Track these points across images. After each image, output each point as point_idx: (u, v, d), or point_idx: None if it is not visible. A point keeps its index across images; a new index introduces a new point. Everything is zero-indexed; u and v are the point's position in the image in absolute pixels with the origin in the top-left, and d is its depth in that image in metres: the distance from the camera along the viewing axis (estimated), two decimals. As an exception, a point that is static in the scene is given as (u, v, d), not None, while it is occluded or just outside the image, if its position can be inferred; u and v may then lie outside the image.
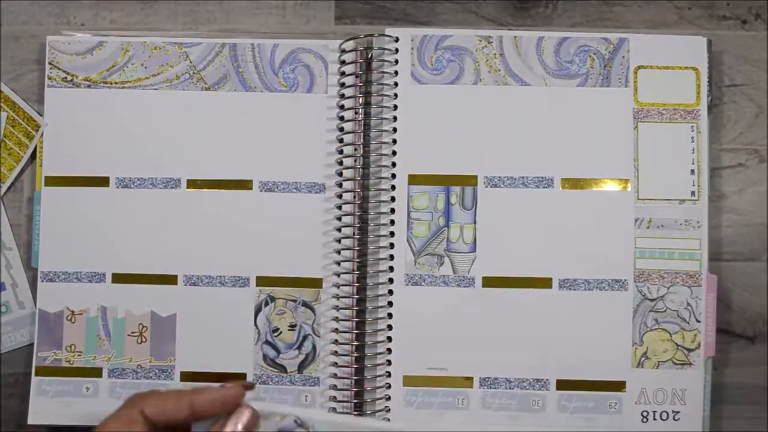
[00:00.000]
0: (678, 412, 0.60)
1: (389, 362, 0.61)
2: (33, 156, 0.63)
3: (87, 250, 0.62)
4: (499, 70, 0.62)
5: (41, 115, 0.63)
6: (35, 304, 0.62)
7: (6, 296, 0.62)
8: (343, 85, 0.62)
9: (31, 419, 0.61)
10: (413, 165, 0.62)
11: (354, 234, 0.61)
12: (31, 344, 0.62)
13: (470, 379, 0.61)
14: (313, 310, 0.61)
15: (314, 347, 0.61)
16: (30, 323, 0.62)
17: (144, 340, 0.61)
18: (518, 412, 0.60)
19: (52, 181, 0.62)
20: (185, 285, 0.61)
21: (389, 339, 0.61)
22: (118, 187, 0.62)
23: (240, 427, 0.45)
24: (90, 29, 0.64)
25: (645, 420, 0.59)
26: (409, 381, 0.61)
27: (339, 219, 0.61)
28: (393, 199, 0.62)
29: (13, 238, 0.63)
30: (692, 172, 0.61)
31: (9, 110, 0.62)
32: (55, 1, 0.64)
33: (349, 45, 0.62)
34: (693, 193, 0.61)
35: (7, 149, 0.62)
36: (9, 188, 0.63)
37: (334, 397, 0.61)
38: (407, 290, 0.61)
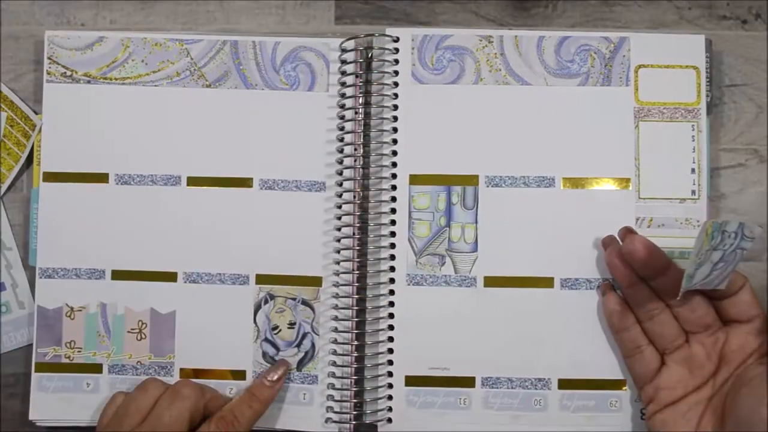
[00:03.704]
0: (679, 409, 0.60)
1: (391, 362, 0.60)
2: (32, 156, 0.63)
3: (86, 247, 0.61)
4: (500, 70, 0.62)
5: (37, 113, 0.63)
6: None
7: (6, 296, 0.62)
8: (343, 84, 0.62)
9: (32, 415, 0.61)
10: (414, 165, 0.62)
11: (354, 233, 0.61)
12: (31, 344, 0.61)
13: (472, 378, 0.60)
14: (312, 308, 0.61)
15: (313, 345, 0.61)
16: (30, 323, 0.62)
17: (143, 336, 0.61)
18: (520, 412, 0.60)
19: (51, 177, 0.62)
20: (185, 282, 0.61)
21: (391, 339, 0.60)
22: (117, 184, 0.62)
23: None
24: (90, 29, 0.64)
25: (644, 417, 0.59)
26: (411, 381, 0.60)
27: (339, 218, 0.61)
28: (394, 199, 0.61)
29: (13, 238, 0.63)
30: (693, 171, 0.61)
31: (8, 110, 0.62)
32: (55, 1, 0.64)
33: (350, 45, 0.62)
34: (693, 192, 0.61)
35: (6, 149, 0.62)
36: (9, 188, 0.63)
37: (332, 396, 0.60)
38: (409, 290, 0.61)
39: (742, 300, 0.54)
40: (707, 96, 0.62)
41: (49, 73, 0.62)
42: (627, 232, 0.58)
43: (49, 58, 0.63)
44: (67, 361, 0.61)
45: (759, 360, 0.52)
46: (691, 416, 0.54)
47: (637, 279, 0.56)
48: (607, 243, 0.59)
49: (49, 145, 0.62)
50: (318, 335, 0.61)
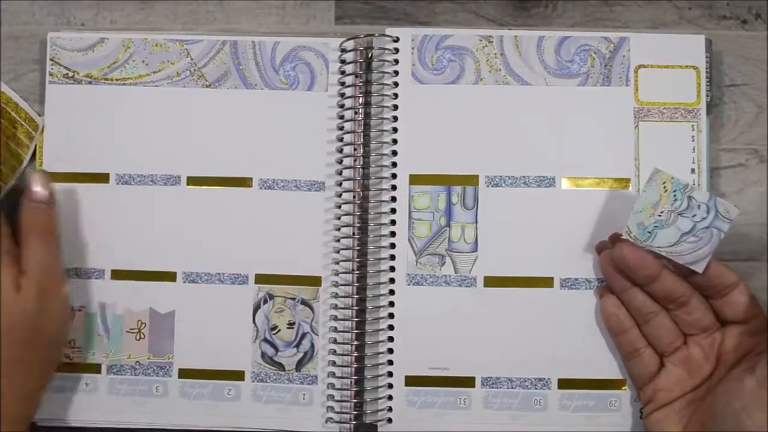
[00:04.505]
0: (678, 408, 0.60)
1: (391, 362, 0.60)
2: (34, 156, 0.63)
3: (86, 247, 0.61)
4: (500, 70, 0.62)
5: (41, 114, 0.63)
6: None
7: (6, 296, 0.62)
8: (343, 84, 0.62)
9: (32, 414, 0.61)
10: (414, 165, 0.62)
11: (353, 233, 0.61)
12: (31, 345, 0.62)
13: (472, 378, 0.60)
14: (311, 308, 0.61)
15: (312, 345, 0.61)
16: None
17: (142, 336, 0.61)
18: (520, 412, 0.60)
19: (52, 178, 0.61)
20: (184, 282, 0.61)
21: (391, 339, 0.60)
22: (118, 184, 0.62)
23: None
24: (90, 29, 0.64)
25: (642, 416, 0.59)
26: (411, 381, 0.60)
27: (339, 218, 0.61)
28: (394, 199, 0.61)
29: (12, 238, 0.63)
30: (693, 171, 0.61)
31: (10, 111, 0.62)
32: (55, 1, 0.64)
33: (350, 45, 0.62)
34: (694, 192, 0.61)
35: (9, 150, 0.62)
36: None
37: (332, 396, 0.60)
38: (409, 290, 0.61)
39: (737, 301, 0.54)
40: (707, 96, 0.62)
41: (51, 75, 0.63)
42: (615, 239, 0.58)
43: (51, 60, 0.63)
44: (66, 360, 0.61)
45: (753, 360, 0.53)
46: (684, 414, 0.54)
47: (631, 284, 0.56)
48: (600, 248, 0.59)
49: (50, 145, 0.62)
50: (317, 335, 0.61)
